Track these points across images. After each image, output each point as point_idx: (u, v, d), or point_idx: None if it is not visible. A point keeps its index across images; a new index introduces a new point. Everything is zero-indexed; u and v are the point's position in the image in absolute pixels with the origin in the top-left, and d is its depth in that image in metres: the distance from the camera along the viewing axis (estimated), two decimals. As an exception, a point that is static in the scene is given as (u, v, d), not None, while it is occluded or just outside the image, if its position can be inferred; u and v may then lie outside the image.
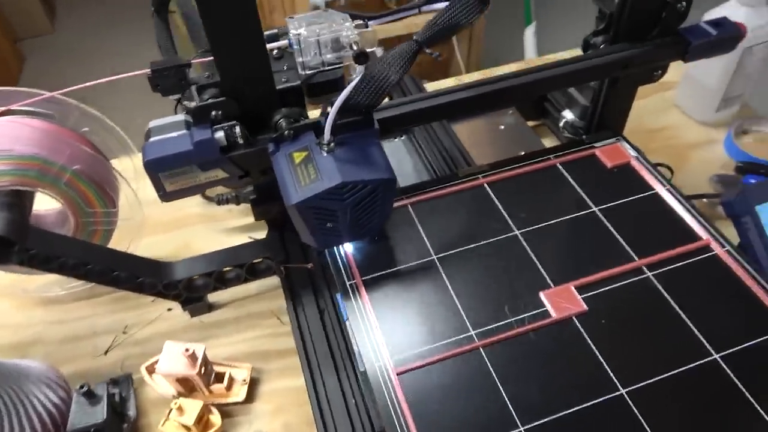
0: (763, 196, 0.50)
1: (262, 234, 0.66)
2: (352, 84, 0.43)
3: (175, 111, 0.54)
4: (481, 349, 0.42)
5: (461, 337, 0.43)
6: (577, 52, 0.88)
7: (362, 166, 0.44)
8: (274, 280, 0.60)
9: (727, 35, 0.55)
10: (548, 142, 0.72)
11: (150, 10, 0.58)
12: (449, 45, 1.82)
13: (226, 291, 0.58)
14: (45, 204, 0.57)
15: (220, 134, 0.47)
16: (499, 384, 0.40)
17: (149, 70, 0.51)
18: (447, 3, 0.51)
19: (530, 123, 0.75)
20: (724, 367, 0.40)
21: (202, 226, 0.69)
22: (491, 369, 0.41)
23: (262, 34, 0.45)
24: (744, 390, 0.39)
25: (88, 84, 0.52)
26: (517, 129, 0.70)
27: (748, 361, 0.40)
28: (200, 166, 0.48)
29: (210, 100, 0.47)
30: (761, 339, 0.41)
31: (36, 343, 0.59)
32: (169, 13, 0.60)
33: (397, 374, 0.41)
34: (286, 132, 0.46)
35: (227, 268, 0.56)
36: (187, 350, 0.49)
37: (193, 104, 0.55)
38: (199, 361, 0.49)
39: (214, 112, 0.47)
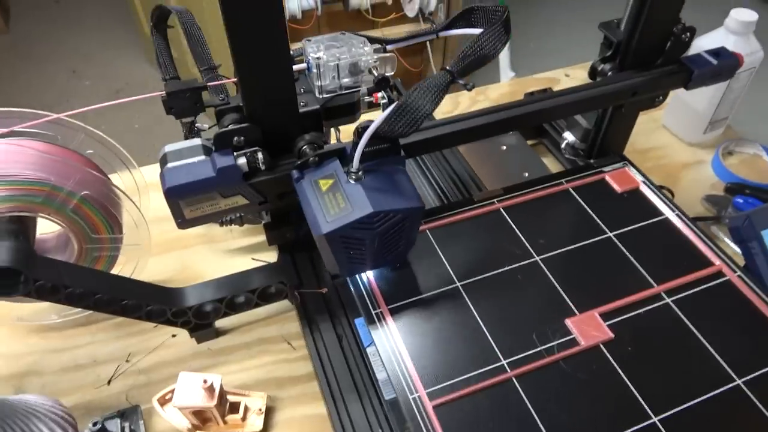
0: (768, 222, 0.52)
1: (264, 255, 0.65)
2: (385, 114, 0.42)
3: (185, 134, 0.53)
4: (513, 379, 0.42)
5: (493, 367, 0.43)
6: (556, 70, 0.91)
7: (391, 194, 0.44)
8: (282, 304, 0.59)
9: (727, 64, 0.57)
10: (548, 161, 0.73)
11: (149, 25, 0.56)
12: (424, 56, 1.84)
13: (234, 316, 0.57)
14: (42, 226, 0.54)
15: (242, 160, 0.46)
16: (534, 415, 0.40)
17: (164, 92, 0.49)
18: (464, 30, 0.52)
19: (529, 142, 0.76)
20: (747, 392, 0.41)
21: (202, 247, 0.67)
22: (525, 399, 0.41)
23: (291, 59, 0.44)
24: (766, 412, 0.40)
25: (95, 107, 0.50)
26: (519, 149, 0.71)
27: None
28: (221, 193, 0.46)
29: (231, 126, 0.46)
30: None
31: (31, 373, 0.56)
32: (168, 28, 0.59)
33: (434, 407, 0.41)
34: (311, 159, 0.46)
35: (238, 294, 0.55)
36: (205, 382, 0.47)
37: (206, 126, 0.53)
38: (217, 392, 0.48)
39: (236, 138, 0.46)
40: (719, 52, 0.58)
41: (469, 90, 0.45)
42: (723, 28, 0.71)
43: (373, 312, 0.46)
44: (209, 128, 0.53)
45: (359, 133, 0.44)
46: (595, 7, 2.29)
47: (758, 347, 0.44)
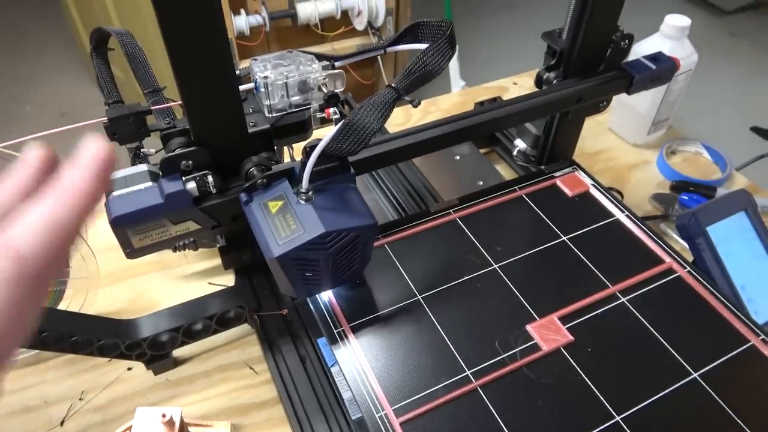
0: (713, 217, 0.54)
1: (220, 278, 0.63)
2: (332, 133, 0.42)
3: (131, 160, 0.51)
4: (479, 389, 0.42)
5: (457, 378, 0.43)
6: (505, 79, 0.93)
7: (343, 213, 0.43)
8: (242, 329, 0.58)
9: (665, 68, 0.60)
10: (500, 168, 0.74)
11: (88, 48, 0.55)
12: (375, 69, 1.85)
13: (192, 344, 0.55)
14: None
15: (192, 185, 0.45)
16: (501, 423, 0.40)
17: (105, 118, 0.48)
18: (411, 45, 0.53)
19: (481, 150, 0.77)
20: (703, 384, 0.42)
21: (155, 275, 0.65)
22: (491, 408, 0.41)
23: (237, 79, 0.43)
24: (723, 404, 0.41)
25: (35, 135, 0.48)
26: (472, 158, 0.72)
27: (723, 376, 0.43)
28: (171, 219, 0.45)
29: (179, 150, 0.44)
30: (730, 355, 0.44)
31: (-24, 420, 0.53)
32: (109, 51, 0.57)
33: (401, 424, 0.40)
34: (258, 181, 0.45)
35: (195, 321, 0.53)
36: (164, 416, 0.46)
37: (152, 151, 0.52)
38: (177, 426, 0.46)
39: (184, 162, 0.44)
40: (657, 57, 0.61)
41: (415, 106, 0.45)
42: (659, 34, 0.74)
43: (335, 331, 0.46)
44: (156, 153, 0.51)
45: (307, 152, 0.43)
46: (542, 17, 2.37)
47: (710, 340, 0.45)
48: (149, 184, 0.45)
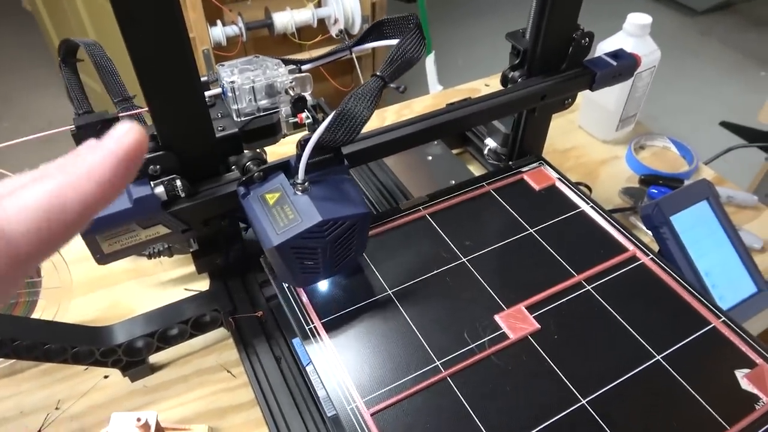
0: (676, 207, 0.56)
1: (197, 284, 0.64)
2: (325, 124, 0.43)
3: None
4: (448, 378, 0.43)
5: (428, 368, 0.44)
6: (476, 81, 0.94)
7: (338, 202, 0.44)
8: (218, 332, 0.58)
9: (626, 65, 0.61)
10: (473, 168, 0.75)
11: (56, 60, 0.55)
12: (354, 75, 1.87)
13: (169, 349, 0.55)
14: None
15: (160, 189, 0.45)
16: (470, 411, 0.41)
17: (73, 126, 0.48)
18: (378, 42, 0.54)
19: (454, 151, 0.79)
20: (666, 366, 0.44)
21: (132, 282, 0.65)
22: (461, 397, 0.42)
23: (201, 85, 0.44)
24: (686, 384, 0.43)
25: (7, 143, 0.48)
26: (444, 159, 0.73)
27: (685, 357, 0.44)
28: (140, 224, 0.45)
29: (146, 155, 0.45)
30: (692, 337, 0.46)
31: (-50, 434, 0.52)
32: (78, 62, 0.57)
33: (371, 414, 0.41)
34: (255, 174, 0.45)
35: (171, 326, 0.53)
36: (138, 420, 0.46)
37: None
38: (153, 429, 0.46)
39: (152, 167, 0.45)
40: (618, 54, 0.62)
41: (402, 92, 0.47)
42: (622, 32, 0.76)
43: (307, 328, 0.46)
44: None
45: (302, 145, 0.44)
46: (517, 23, 2.40)
47: (673, 323, 0.47)
48: (118, 189, 0.45)
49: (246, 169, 0.46)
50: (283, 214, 0.43)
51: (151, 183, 0.45)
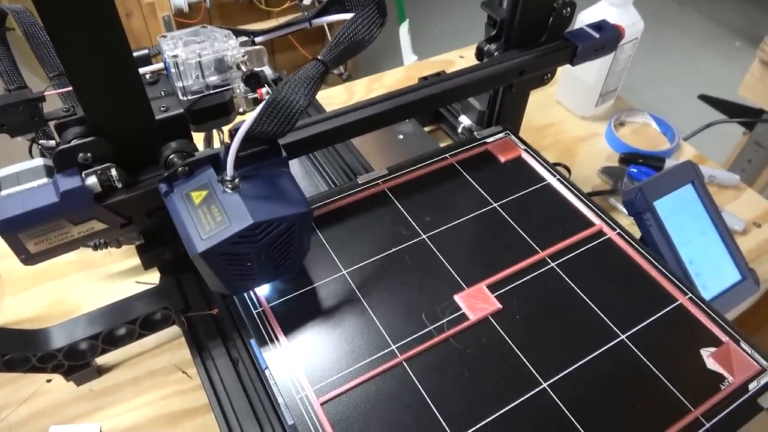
0: (659, 192, 0.53)
1: (151, 276, 0.59)
2: (255, 113, 0.38)
3: (29, 153, 0.46)
4: (404, 363, 0.40)
5: (383, 353, 0.40)
6: (451, 52, 0.90)
7: (273, 201, 0.39)
8: (172, 330, 0.54)
9: (609, 37, 0.57)
10: (447, 148, 0.71)
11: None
12: (325, 41, 1.79)
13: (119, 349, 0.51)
14: None
15: (92, 180, 0.40)
16: (426, 397, 0.38)
17: (-8, 107, 0.42)
18: (338, 15, 0.48)
19: (426, 129, 0.74)
20: (631, 345, 0.41)
21: (78, 276, 0.60)
22: (417, 383, 0.39)
23: (132, 56, 0.38)
24: (649, 363, 0.40)
25: None
26: (416, 137, 0.69)
27: (650, 336, 0.42)
28: (71, 220, 0.40)
29: (75, 142, 0.40)
30: (657, 315, 0.43)
31: None
32: (7, 31, 0.51)
33: (321, 404, 0.38)
34: (180, 169, 0.40)
35: (117, 326, 0.49)
36: (78, 435, 0.42)
37: (53, 142, 0.47)
38: (95, 443, 0.42)
39: (81, 155, 0.39)
40: (601, 26, 0.58)
41: (345, 80, 0.42)
42: (604, 1, 0.71)
43: (254, 312, 0.43)
44: (58, 149, 0.46)
45: (231, 136, 0.39)
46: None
47: (638, 301, 0.44)
48: (45, 180, 0.40)
49: (169, 163, 0.41)
50: (210, 215, 0.38)
51: (82, 173, 0.40)
